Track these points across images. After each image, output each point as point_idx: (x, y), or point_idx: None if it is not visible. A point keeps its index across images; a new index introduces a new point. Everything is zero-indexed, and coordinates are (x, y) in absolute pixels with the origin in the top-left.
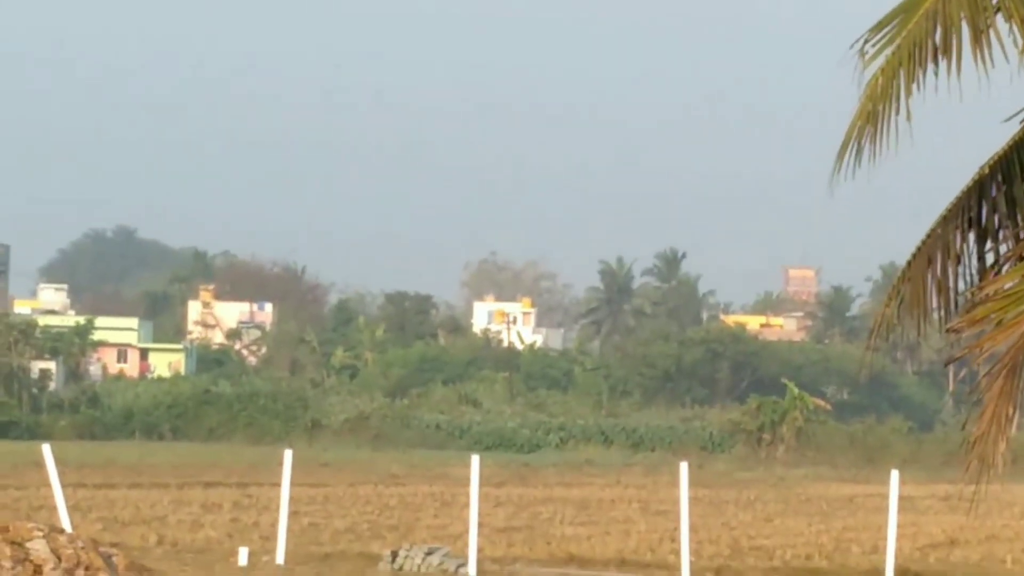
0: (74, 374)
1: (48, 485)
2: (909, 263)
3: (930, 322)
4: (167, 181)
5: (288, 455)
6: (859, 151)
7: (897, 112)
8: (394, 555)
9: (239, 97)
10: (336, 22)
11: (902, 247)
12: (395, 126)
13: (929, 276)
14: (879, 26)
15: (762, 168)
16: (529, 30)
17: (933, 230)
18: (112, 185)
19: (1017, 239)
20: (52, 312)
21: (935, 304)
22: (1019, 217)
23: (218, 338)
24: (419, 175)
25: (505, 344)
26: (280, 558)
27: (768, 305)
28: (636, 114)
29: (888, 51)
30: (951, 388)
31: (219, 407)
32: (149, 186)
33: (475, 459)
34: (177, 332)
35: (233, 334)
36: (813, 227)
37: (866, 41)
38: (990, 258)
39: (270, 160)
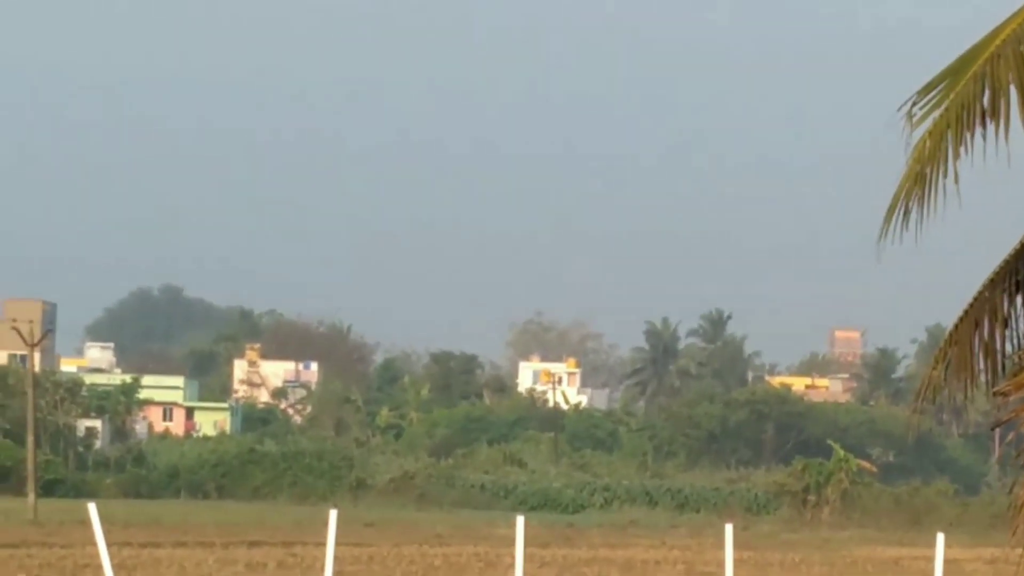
0: (120, 432)
1: (94, 544)
2: (956, 326)
3: (977, 385)
4: (214, 239)
5: (333, 515)
6: (907, 213)
7: (945, 175)
8: None
9: (283, 156)
10: (392, 89)
11: (949, 309)
12: (438, 186)
13: (976, 339)
14: (927, 88)
15: (808, 229)
16: (573, 96)
17: (980, 293)
18: (159, 243)
19: None
20: (98, 370)
21: (982, 367)
22: None
23: (264, 397)
24: (465, 235)
25: (550, 404)
26: None
27: (813, 366)
28: (681, 175)
29: (936, 114)
30: (997, 451)
31: (264, 466)
32: (196, 244)
33: (520, 520)
34: (223, 391)
35: (279, 393)
36: (859, 289)
37: (914, 103)
38: None
39: (318, 219)
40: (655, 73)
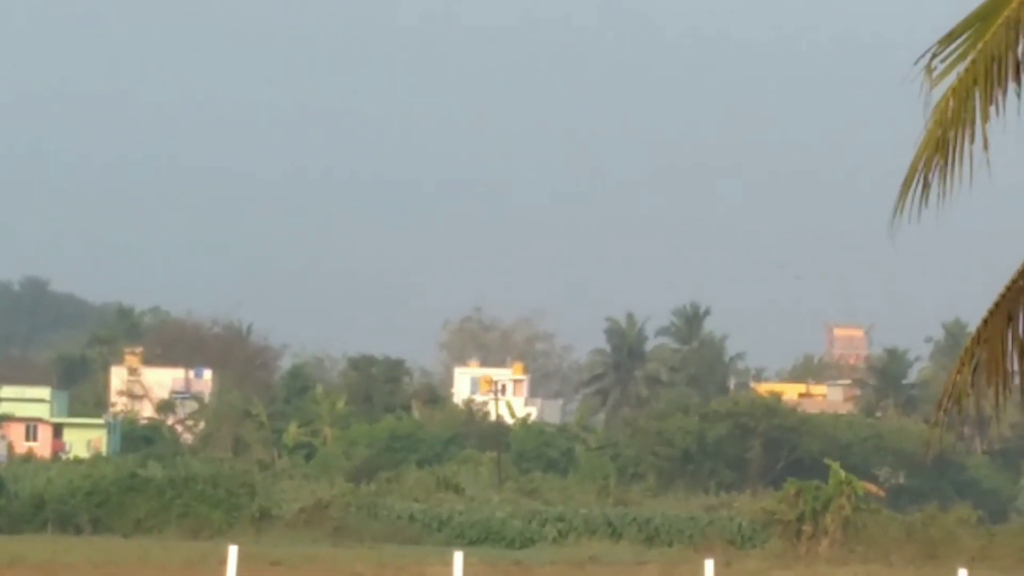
0: None
1: None
2: (985, 321)
3: (1009, 391)
4: (86, 225)
5: (232, 552)
6: (925, 186)
7: (971, 140)
8: None
9: (170, 123)
10: (273, 42)
11: (973, 302)
12: (360, 155)
13: (1009, 336)
14: (949, 37)
15: (800, 207)
16: (536, 61)
17: (1014, 282)
18: (17, 230)
19: None
20: None
21: (1016, 369)
22: None
23: (147, 411)
24: (389, 215)
25: (492, 418)
26: None
27: (809, 371)
28: (650, 149)
29: (960, 67)
30: None
31: (148, 494)
32: (64, 231)
33: (458, 556)
34: (98, 404)
35: (165, 406)
36: (864, 278)
37: (934, 55)
38: None
39: (208, 200)
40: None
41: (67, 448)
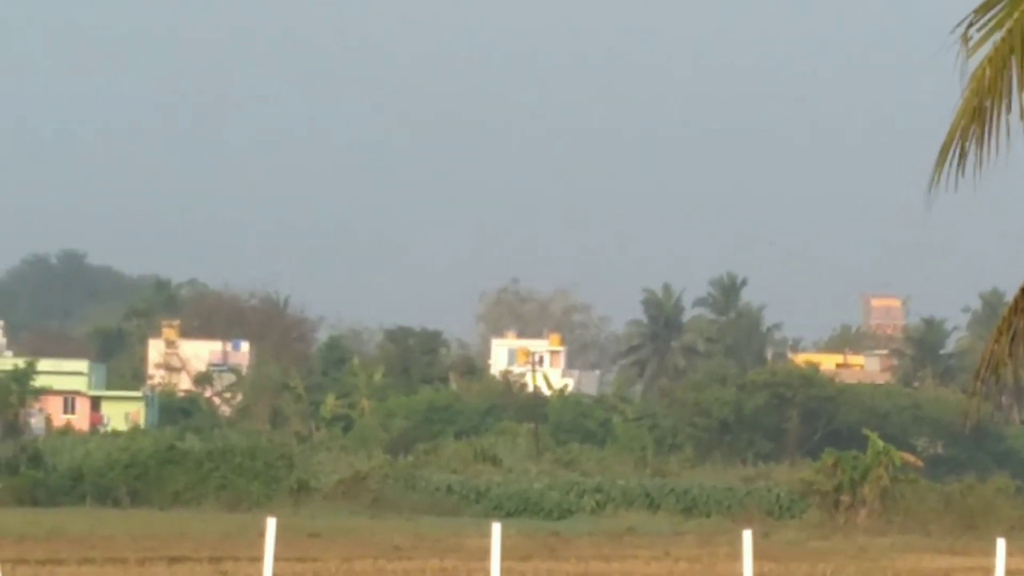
0: (12, 428)
1: None
2: (1023, 291)
3: None
4: (122, 195)
5: (271, 524)
6: (962, 155)
7: (1008, 109)
8: None
9: (204, 104)
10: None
11: (1010, 271)
12: (395, 129)
13: None
14: (986, 6)
15: (836, 177)
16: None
17: None
18: (57, 202)
19: None
20: None
21: None
22: None
23: (184, 383)
24: (423, 186)
25: (530, 389)
26: None
27: (846, 341)
28: (684, 118)
29: (997, 36)
30: None
31: (186, 467)
32: (100, 203)
33: (495, 527)
34: (135, 377)
35: (203, 379)
36: (900, 248)
37: (970, 24)
38: None
39: (243, 173)
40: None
41: (105, 421)
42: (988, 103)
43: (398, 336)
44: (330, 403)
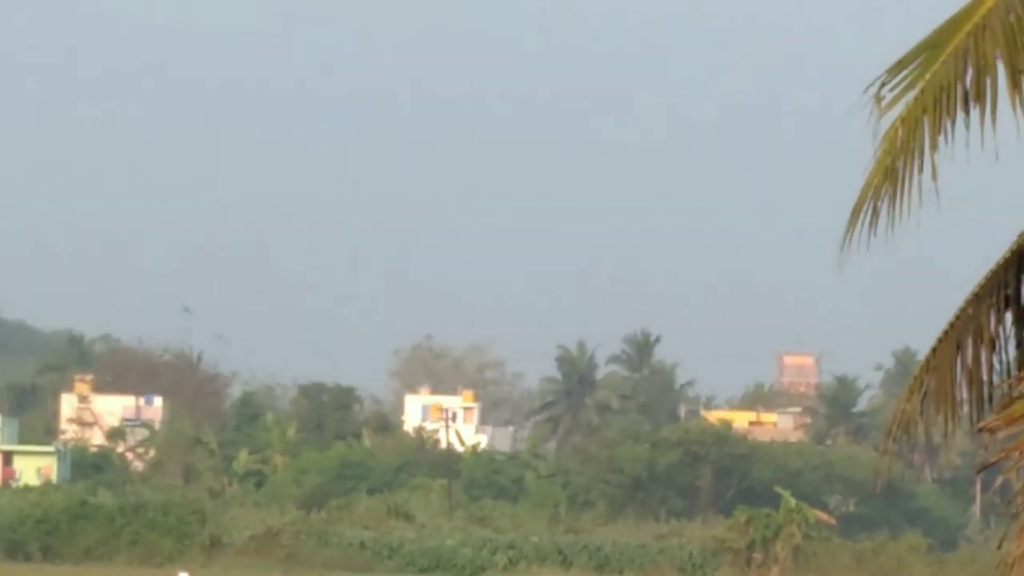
0: None
1: None
2: (934, 350)
3: (958, 420)
4: (35, 252)
5: None
6: (875, 214)
7: (920, 169)
8: None
9: (115, 152)
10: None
11: (922, 330)
12: (307, 188)
13: (958, 364)
14: (899, 66)
15: (750, 236)
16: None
17: (963, 310)
18: None
19: None
20: None
21: (965, 397)
22: None
23: (97, 439)
24: (339, 242)
25: (443, 446)
26: None
27: (759, 399)
28: (600, 173)
29: (909, 96)
30: (979, 499)
31: (98, 522)
32: (13, 256)
33: None
34: (47, 432)
35: (115, 434)
36: (813, 306)
37: (883, 84)
38: None
39: (158, 228)
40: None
41: (17, 476)
42: (900, 163)
43: (311, 392)
44: (243, 458)
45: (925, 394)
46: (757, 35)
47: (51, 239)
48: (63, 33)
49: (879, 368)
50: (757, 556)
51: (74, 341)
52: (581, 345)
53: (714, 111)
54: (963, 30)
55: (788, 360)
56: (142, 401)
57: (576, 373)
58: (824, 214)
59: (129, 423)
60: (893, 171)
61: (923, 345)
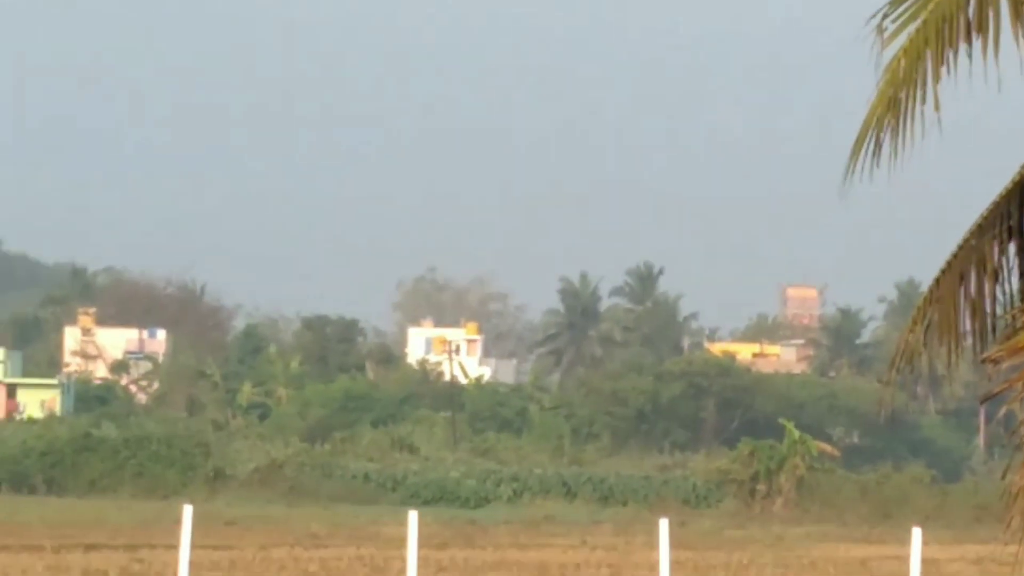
0: None
1: None
2: (937, 280)
3: (961, 351)
4: (38, 184)
5: (187, 511)
6: (877, 146)
7: (923, 100)
8: None
9: (126, 86)
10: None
11: (925, 262)
12: (314, 123)
13: (961, 296)
14: None
15: (752, 165)
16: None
17: (966, 241)
18: None
19: None
20: None
21: (968, 328)
22: None
23: (100, 371)
24: (343, 175)
25: (446, 378)
26: None
27: (762, 331)
28: (602, 104)
29: (912, 27)
30: (983, 430)
31: (102, 454)
32: (16, 189)
33: (412, 516)
34: (51, 364)
35: (119, 367)
36: (817, 238)
37: (885, 15)
38: None
39: (162, 159)
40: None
41: (21, 408)
42: (903, 94)
43: (315, 325)
44: (247, 391)
45: (928, 325)
46: None
47: (51, 171)
48: None
49: (882, 300)
50: (761, 487)
51: (77, 273)
52: (584, 277)
53: (720, 39)
54: None
55: (791, 292)
56: (145, 334)
57: (579, 305)
58: (827, 145)
59: (132, 356)
60: (896, 102)
61: (926, 276)
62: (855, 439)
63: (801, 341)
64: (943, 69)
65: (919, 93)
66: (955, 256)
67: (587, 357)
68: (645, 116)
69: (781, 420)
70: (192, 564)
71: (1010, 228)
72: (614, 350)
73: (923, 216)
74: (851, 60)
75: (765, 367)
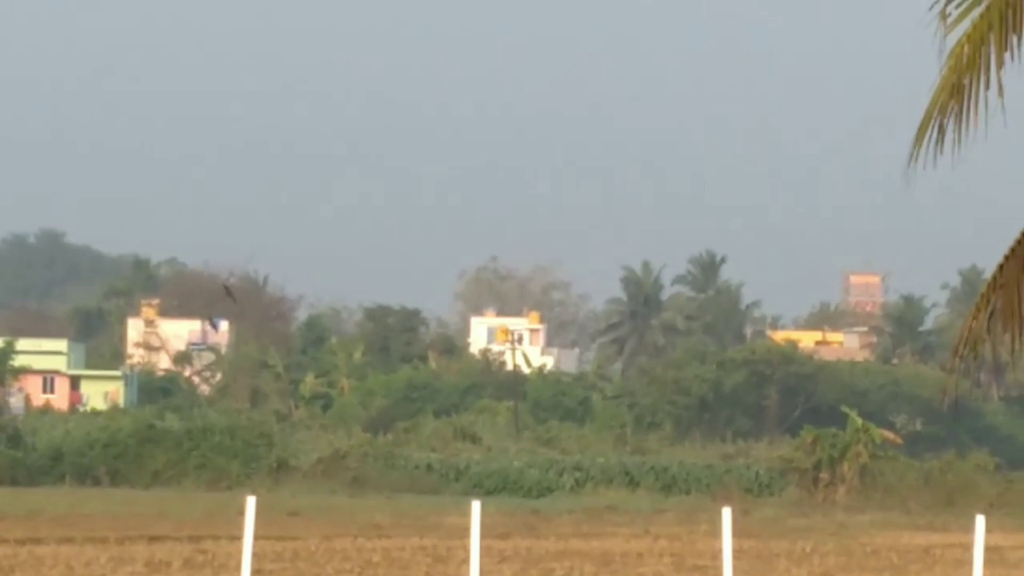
0: None
1: None
2: (1001, 267)
3: None
4: (102, 176)
5: (250, 502)
6: (941, 131)
7: (986, 86)
8: None
9: (189, 83)
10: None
11: (989, 248)
12: (374, 112)
13: None
14: None
15: (816, 154)
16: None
17: None
18: (36, 182)
19: None
20: None
21: None
22: None
23: (164, 363)
24: (404, 166)
25: (509, 367)
26: None
27: (825, 318)
28: (664, 91)
29: (975, 13)
30: None
31: (166, 446)
32: (80, 182)
33: (475, 505)
34: (114, 356)
35: (182, 358)
36: (879, 225)
37: (948, 1)
38: None
39: (224, 152)
40: None
41: (84, 400)
42: (967, 80)
43: (377, 315)
44: (309, 382)
45: (992, 312)
46: None
47: (114, 164)
48: None
49: (945, 286)
50: (824, 476)
51: (140, 265)
52: (646, 266)
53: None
54: None
55: (854, 279)
56: (208, 325)
57: (642, 294)
58: (890, 131)
59: (195, 347)
60: (959, 88)
61: (990, 263)
62: (918, 426)
63: (864, 328)
64: (1007, 55)
65: (983, 79)
66: (1019, 242)
67: (649, 346)
68: (710, 107)
69: (844, 408)
70: (255, 555)
71: None
72: (676, 339)
73: (987, 202)
74: (910, 48)
75: (828, 355)
